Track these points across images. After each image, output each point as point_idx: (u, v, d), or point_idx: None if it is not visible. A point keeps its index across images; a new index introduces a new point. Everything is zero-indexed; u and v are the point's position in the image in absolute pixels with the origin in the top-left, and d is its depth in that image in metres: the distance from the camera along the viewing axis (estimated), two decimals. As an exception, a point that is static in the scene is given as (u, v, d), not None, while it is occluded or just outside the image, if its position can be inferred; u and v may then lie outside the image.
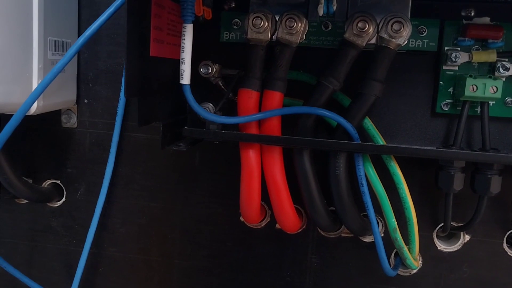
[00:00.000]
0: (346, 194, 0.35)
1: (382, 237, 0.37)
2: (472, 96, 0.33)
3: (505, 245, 0.39)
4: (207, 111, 0.35)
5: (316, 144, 0.34)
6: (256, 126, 0.36)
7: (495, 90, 0.33)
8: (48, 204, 0.45)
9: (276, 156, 0.36)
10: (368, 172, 0.35)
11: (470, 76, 0.33)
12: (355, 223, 0.37)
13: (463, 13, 0.35)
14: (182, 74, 0.32)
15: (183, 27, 0.31)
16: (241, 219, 0.42)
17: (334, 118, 0.34)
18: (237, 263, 0.43)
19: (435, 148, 0.34)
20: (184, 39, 0.31)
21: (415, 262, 0.37)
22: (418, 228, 0.37)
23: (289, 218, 0.38)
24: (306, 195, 0.36)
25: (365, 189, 0.35)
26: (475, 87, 0.33)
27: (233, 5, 0.38)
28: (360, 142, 0.34)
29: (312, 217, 0.37)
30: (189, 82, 0.32)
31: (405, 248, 0.36)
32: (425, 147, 0.33)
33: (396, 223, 0.35)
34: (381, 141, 0.36)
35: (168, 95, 0.36)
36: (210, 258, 0.43)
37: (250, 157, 0.36)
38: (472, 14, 0.35)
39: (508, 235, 0.39)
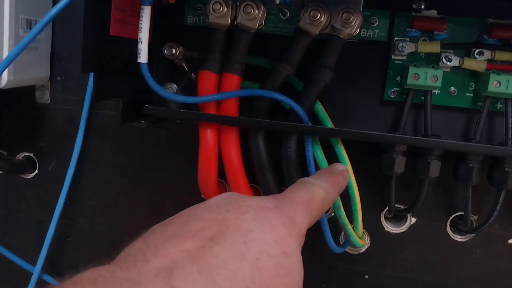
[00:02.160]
0: (295, 174, 0.37)
1: (332, 217, 0.39)
2: (415, 84, 0.35)
3: (448, 228, 0.41)
4: (165, 90, 0.37)
5: (269, 125, 0.37)
6: (215, 107, 0.38)
7: (436, 79, 0.35)
8: (21, 175, 0.47)
9: (233, 136, 0.38)
10: (316, 153, 0.37)
11: (414, 65, 0.35)
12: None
13: (414, 6, 0.37)
14: (139, 53, 0.34)
15: (141, 9, 0.33)
16: (202, 195, 0.44)
17: (286, 101, 0.36)
18: (198, 237, 0.45)
19: (378, 133, 0.36)
20: (141, 20, 0.33)
21: (359, 240, 0.39)
22: (367, 210, 0.39)
23: (243, 194, 0.40)
24: (259, 173, 0.38)
25: (312, 169, 0.37)
26: (417, 76, 0.35)
27: (198, -10, 0.40)
28: (310, 125, 0.36)
29: (265, 194, 0.39)
30: (146, 61, 0.34)
31: (349, 226, 0.38)
32: (369, 132, 0.35)
33: (340, 201, 0.37)
34: (330, 125, 0.38)
35: (131, 74, 0.38)
36: (173, 232, 0.45)
37: (208, 136, 0.38)
38: (423, 7, 0.37)
39: (451, 219, 0.41)
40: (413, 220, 0.41)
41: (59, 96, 0.45)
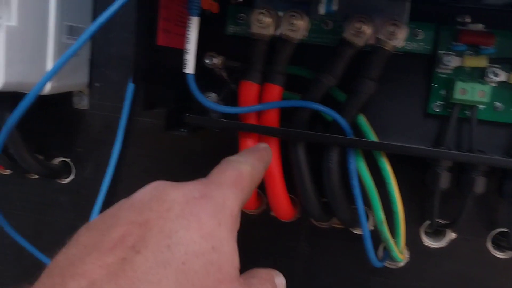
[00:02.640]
0: (337, 186, 0.37)
1: (372, 231, 0.39)
2: (461, 98, 0.35)
3: (489, 244, 0.40)
4: (209, 100, 0.37)
5: (311, 137, 0.36)
6: (256, 117, 0.38)
7: (483, 95, 0.34)
8: (57, 180, 0.47)
9: (273, 147, 0.38)
10: (359, 166, 0.37)
11: (461, 79, 0.34)
12: (345, 214, 0.38)
13: (458, 19, 0.37)
14: (186, 64, 0.34)
15: (189, 19, 0.33)
16: (238, 205, 0.44)
17: (329, 113, 0.36)
18: (232, 246, 0.45)
19: (423, 147, 0.35)
20: (189, 30, 0.33)
21: (400, 254, 0.38)
22: (407, 224, 0.38)
23: (283, 207, 0.39)
24: (299, 185, 0.38)
25: (355, 182, 0.37)
26: (464, 91, 0.34)
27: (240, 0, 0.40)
28: (353, 137, 0.36)
29: (305, 206, 0.39)
30: (193, 72, 0.34)
31: (391, 241, 0.37)
32: (414, 146, 0.35)
33: (383, 216, 0.37)
34: (373, 137, 0.38)
35: (174, 83, 0.38)
36: (206, 241, 0.45)
37: (248, 146, 0.38)
38: (468, 20, 0.37)
39: (492, 235, 0.40)
40: (453, 235, 0.41)
41: (96, 102, 0.45)
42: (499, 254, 0.40)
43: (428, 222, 0.41)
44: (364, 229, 0.37)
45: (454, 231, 0.41)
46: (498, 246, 0.40)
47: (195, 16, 0.33)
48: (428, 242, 0.41)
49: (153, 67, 0.33)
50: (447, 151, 0.35)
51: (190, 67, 0.34)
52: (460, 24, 0.36)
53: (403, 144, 0.34)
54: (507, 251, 0.40)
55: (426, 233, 0.41)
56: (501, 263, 0.40)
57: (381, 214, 0.37)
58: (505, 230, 0.39)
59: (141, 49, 0.30)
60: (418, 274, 0.42)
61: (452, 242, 0.41)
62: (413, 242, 0.41)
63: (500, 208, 0.39)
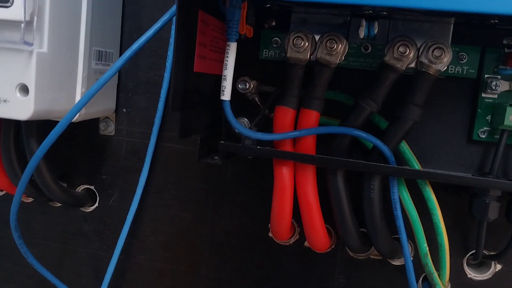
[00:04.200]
0: (378, 217, 0.35)
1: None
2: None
3: (537, 276, 0.38)
4: (243, 127, 0.35)
5: (352, 165, 0.35)
6: (291, 144, 0.37)
7: (535, 121, 0.32)
8: (81, 208, 0.46)
9: (310, 175, 0.36)
10: (402, 196, 0.35)
11: (511, 105, 0.33)
12: (386, 245, 0.37)
13: (504, 42, 0.35)
14: (223, 91, 0.32)
15: (227, 45, 0.32)
16: (270, 234, 0.42)
17: (371, 140, 0.34)
18: (263, 278, 0.43)
19: (471, 176, 0.34)
20: (227, 56, 0.32)
21: (444, 288, 0.36)
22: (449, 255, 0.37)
23: (319, 237, 0.38)
24: (338, 215, 0.36)
25: (398, 213, 0.35)
26: (515, 117, 0.33)
27: (274, 23, 0.39)
28: (396, 166, 0.34)
29: (343, 238, 0.37)
30: (230, 99, 0.33)
31: (435, 274, 0.35)
32: (461, 174, 0.33)
33: (427, 248, 0.35)
34: (416, 165, 0.36)
35: (207, 109, 0.37)
36: (236, 271, 0.43)
37: (284, 174, 0.37)
38: (515, 43, 0.35)
39: (541, 267, 0.38)
40: (498, 267, 0.39)
41: (123, 127, 0.44)
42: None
43: (471, 252, 0.39)
44: (407, 263, 0.35)
45: (499, 263, 0.39)
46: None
47: (233, 42, 0.32)
48: (472, 274, 0.39)
49: (190, 94, 0.32)
50: (498, 180, 0.33)
51: (227, 94, 0.33)
52: (507, 47, 0.35)
53: (451, 173, 0.33)
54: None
55: (469, 265, 0.39)
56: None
57: (425, 247, 0.35)
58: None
59: (179, 76, 0.29)
60: (461, 308, 0.40)
61: (497, 274, 0.39)
62: (455, 274, 0.39)
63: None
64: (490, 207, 0.34)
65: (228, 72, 0.32)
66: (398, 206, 0.35)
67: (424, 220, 0.35)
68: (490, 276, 0.39)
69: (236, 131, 0.35)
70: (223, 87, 0.32)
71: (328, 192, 0.36)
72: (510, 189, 0.33)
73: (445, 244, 0.35)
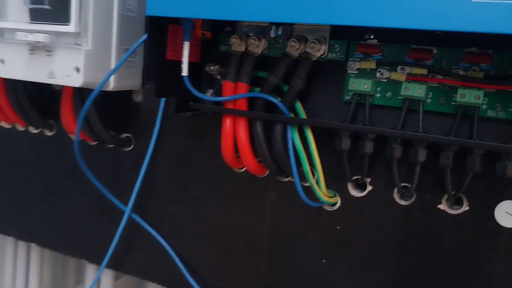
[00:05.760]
0: (281, 149, 0.57)
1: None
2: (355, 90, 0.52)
3: (395, 195, 0.56)
4: (199, 92, 0.58)
5: (264, 116, 0.56)
6: (233, 104, 0.59)
7: (367, 87, 0.52)
8: (123, 148, 0.72)
9: (242, 123, 0.58)
10: (293, 135, 0.56)
11: (351, 77, 0.52)
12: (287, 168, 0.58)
13: (366, 36, 0.54)
14: (182, 69, 0.56)
15: (184, 43, 0.55)
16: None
17: (273, 100, 0.56)
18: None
19: (331, 122, 0.54)
20: (184, 49, 0.55)
21: (324, 196, 0.56)
22: (337, 180, 0.56)
23: (250, 163, 0.60)
24: (259, 149, 0.58)
25: (290, 146, 0.56)
26: (355, 84, 0.52)
27: (229, 29, 0.62)
28: (289, 116, 0.55)
29: (265, 164, 0.59)
30: (187, 74, 0.56)
31: (314, 184, 0.56)
32: (328, 121, 0.53)
33: (308, 167, 0.55)
34: (303, 116, 0.56)
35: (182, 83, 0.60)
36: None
37: (227, 123, 0.59)
38: (371, 37, 0.54)
39: (399, 187, 0.56)
40: (370, 187, 0.57)
41: (147, 97, 0.69)
42: (403, 202, 0.56)
43: (356, 177, 0.58)
44: (295, 177, 0.56)
45: (370, 184, 0.58)
46: (402, 196, 0.56)
47: (187, 41, 0.55)
48: (354, 192, 0.59)
49: (164, 72, 0.56)
50: (347, 124, 0.53)
51: (185, 71, 0.56)
52: (364, 39, 0.54)
53: (321, 120, 0.53)
54: (409, 199, 0.56)
55: (353, 186, 0.59)
56: (401, 208, 0.56)
57: (306, 167, 0.55)
58: (407, 185, 0.55)
59: (151, 61, 0.53)
60: (347, 216, 0.59)
61: (369, 193, 0.58)
62: (343, 192, 0.59)
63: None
64: (343, 141, 0.54)
65: (185, 59, 0.56)
66: (290, 142, 0.56)
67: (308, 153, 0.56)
68: (365, 193, 0.58)
69: (195, 95, 0.59)
70: (182, 68, 0.56)
71: (253, 134, 0.58)
72: (355, 129, 0.52)
73: (318, 165, 0.55)
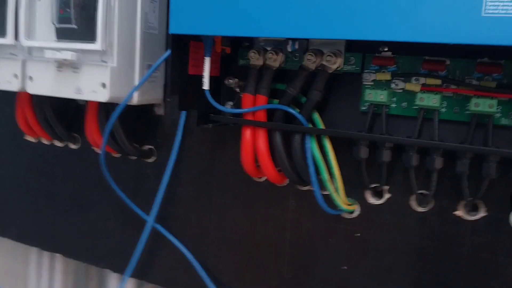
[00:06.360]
0: (300, 159, 0.58)
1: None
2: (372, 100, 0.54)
3: (412, 202, 0.58)
4: (219, 104, 0.60)
5: (283, 127, 0.58)
6: (252, 116, 0.61)
7: (383, 98, 0.53)
8: (145, 159, 0.75)
9: (262, 134, 0.60)
10: (312, 145, 0.58)
11: (366, 88, 0.54)
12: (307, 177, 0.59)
13: (380, 49, 0.56)
14: (204, 83, 0.58)
15: (205, 59, 0.58)
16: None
17: (291, 111, 0.58)
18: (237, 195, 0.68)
19: (356, 132, 0.55)
20: (205, 64, 0.58)
21: (343, 204, 0.58)
22: (353, 188, 0.58)
23: (270, 172, 0.62)
24: (278, 158, 0.60)
25: (309, 155, 0.58)
26: (372, 96, 0.54)
27: (247, 44, 0.64)
28: (307, 127, 0.57)
29: (285, 174, 0.61)
30: (208, 88, 0.59)
31: (333, 192, 0.57)
32: (347, 131, 0.55)
33: (327, 176, 0.57)
34: (321, 127, 0.58)
35: (203, 97, 0.63)
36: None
37: (247, 134, 0.61)
38: (385, 49, 0.56)
39: (415, 195, 0.58)
40: (388, 195, 0.59)
41: (168, 110, 0.72)
42: (420, 209, 0.58)
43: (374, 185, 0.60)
44: (314, 186, 0.58)
45: (388, 192, 0.59)
46: (419, 203, 0.58)
47: (208, 57, 0.58)
48: (372, 200, 0.60)
49: (187, 86, 0.58)
50: (365, 134, 0.54)
51: (206, 85, 0.58)
52: (379, 52, 0.56)
53: (337, 130, 0.55)
54: (427, 206, 0.57)
55: (371, 194, 0.60)
56: (418, 214, 0.58)
57: (325, 175, 0.57)
58: (425, 192, 0.57)
59: (175, 77, 0.56)
60: (366, 223, 0.61)
61: (387, 200, 0.59)
62: (361, 200, 0.61)
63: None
64: (361, 150, 0.55)
65: (206, 73, 0.58)
66: (309, 151, 0.58)
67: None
68: (384, 201, 0.60)
69: (216, 108, 0.61)
70: (203, 82, 0.58)
71: (272, 145, 0.60)
72: (373, 139, 0.54)
73: (336, 174, 0.56)
